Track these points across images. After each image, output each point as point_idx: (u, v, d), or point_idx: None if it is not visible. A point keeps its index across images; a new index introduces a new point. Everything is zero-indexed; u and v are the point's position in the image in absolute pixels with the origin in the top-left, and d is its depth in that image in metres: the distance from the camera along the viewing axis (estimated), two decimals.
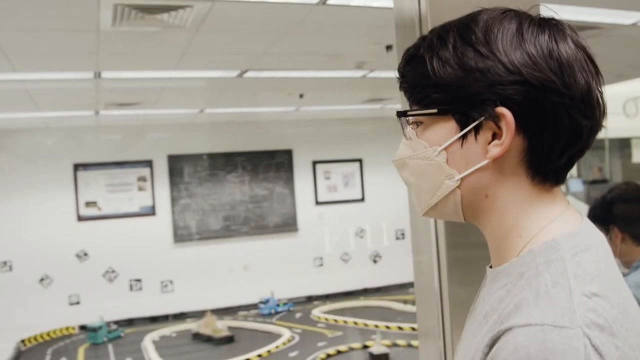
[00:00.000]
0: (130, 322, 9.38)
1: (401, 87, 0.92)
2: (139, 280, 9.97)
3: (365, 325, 8.41)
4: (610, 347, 0.70)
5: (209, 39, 5.32)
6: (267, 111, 9.93)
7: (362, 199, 11.45)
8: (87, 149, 9.78)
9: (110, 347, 8.18)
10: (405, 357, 6.88)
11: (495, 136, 0.82)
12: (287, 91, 8.21)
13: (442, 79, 0.83)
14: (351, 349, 7.33)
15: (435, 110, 0.86)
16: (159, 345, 8.05)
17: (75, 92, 7.28)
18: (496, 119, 0.80)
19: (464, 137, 0.84)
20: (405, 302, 9.60)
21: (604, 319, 0.72)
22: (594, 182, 8.63)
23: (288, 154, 10.97)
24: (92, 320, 8.68)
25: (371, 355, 6.86)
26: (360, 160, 11.45)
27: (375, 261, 11.45)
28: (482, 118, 0.82)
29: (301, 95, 8.44)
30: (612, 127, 7.27)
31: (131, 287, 9.93)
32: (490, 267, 0.90)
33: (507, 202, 0.85)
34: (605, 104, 0.84)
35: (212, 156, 10.44)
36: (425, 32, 1.89)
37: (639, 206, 2.26)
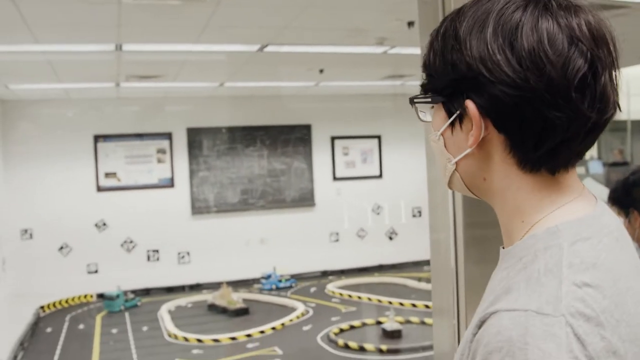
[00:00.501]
0: (146, 292, 9.51)
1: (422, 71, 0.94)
2: (156, 250, 10.08)
3: (379, 301, 8.46)
4: (595, 337, 0.70)
5: (230, 13, 5.31)
6: (287, 86, 9.92)
7: (380, 176, 11.45)
8: (108, 121, 9.85)
9: (127, 315, 8.32)
10: (418, 334, 6.92)
11: (472, 126, 0.83)
12: (307, 66, 8.18)
13: (432, 68, 0.88)
14: (364, 324, 7.39)
15: (429, 99, 0.90)
16: (175, 315, 8.16)
17: (96, 64, 7.32)
18: (467, 111, 0.82)
19: (452, 124, 0.87)
20: (419, 279, 9.63)
21: (591, 309, 0.72)
22: (614, 164, 8.54)
23: (307, 129, 10.97)
24: (109, 289, 8.81)
25: (384, 331, 6.91)
26: (379, 137, 11.43)
27: (391, 238, 11.47)
28: (458, 111, 0.85)
29: (321, 71, 8.41)
30: (635, 109, 7.17)
31: (149, 258, 10.05)
32: (503, 247, 0.92)
33: (503, 187, 0.86)
34: (603, 87, 0.79)
35: (231, 130, 10.48)
36: (448, 8, 1.89)
37: None
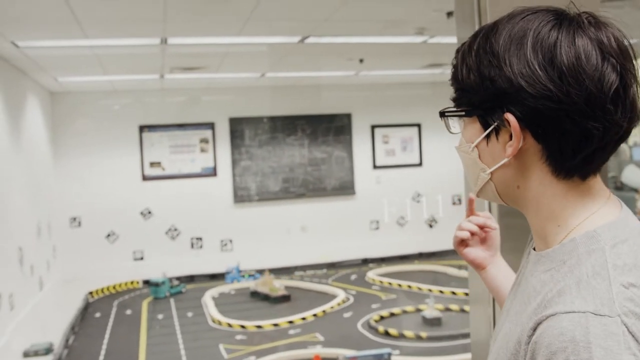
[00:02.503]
0: (191, 279, 9.74)
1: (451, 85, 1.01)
2: (200, 238, 10.30)
3: (419, 289, 8.52)
4: None
5: (273, 5, 5.42)
6: (327, 75, 9.99)
7: (420, 164, 11.47)
8: (152, 111, 10.09)
9: (172, 301, 8.54)
10: (458, 322, 6.98)
11: (512, 136, 0.90)
12: (347, 56, 8.25)
13: (466, 84, 0.93)
14: (404, 312, 7.46)
15: (463, 112, 0.96)
16: (219, 301, 8.36)
17: (141, 56, 7.50)
18: (506, 123, 0.89)
19: (488, 136, 0.94)
20: (459, 267, 9.65)
21: (632, 310, 0.79)
22: None
23: (347, 117, 11.05)
24: (155, 276, 9.06)
25: (424, 318, 6.99)
26: (418, 125, 11.44)
27: (431, 226, 11.50)
28: (495, 123, 0.91)
29: (361, 60, 8.47)
30: None
31: (192, 245, 10.28)
32: (534, 249, 0.99)
33: (538, 194, 0.92)
34: (634, 97, 0.87)
35: (273, 119, 10.61)
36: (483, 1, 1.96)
37: None
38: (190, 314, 7.87)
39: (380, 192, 11.16)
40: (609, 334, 0.76)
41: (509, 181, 0.95)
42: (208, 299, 8.39)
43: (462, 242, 1.34)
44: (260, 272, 9.65)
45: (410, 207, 11.35)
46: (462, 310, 7.39)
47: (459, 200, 11.54)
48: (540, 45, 0.86)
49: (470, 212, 1.34)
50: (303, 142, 10.86)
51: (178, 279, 9.40)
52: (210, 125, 10.38)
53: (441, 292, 8.20)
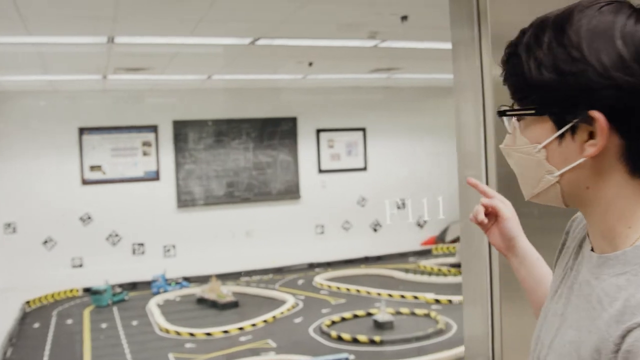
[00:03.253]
0: (133, 286, 9.45)
1: (504, 82, 0.93)
2: (142, 244, 10.03)
3: (368, 293, 8.52)
4: None
5: (228, 6, 5.30)
6: (274, 78, 9.91)
7: (365, 168, 11.50)
8: (93, 113, 9.76)
9: (115, 310, 8.26)
10: (410, 325, 6.99)
11: (591, 135, 0.84)
12: (297, 59, 8.19)
13: (538, 80, 0.86)
14: (356, 316, 7.43)
15: (532, 111, 0.88)
16: (164, 309, 8.13)
17: (86, 56, 7.25)
18: (590, 121, 0.83)
19: (561, 136, 0.87)
20: (406, 271, 9.71)
21: None
22: None
23: (292, 121, 10.98)
24: (95, 283, 8.74)
25: (376, 322, 6.97)
26: (363, 130, 11.47)
27: (375, 230, 11.54)
28: (575, 121, 0.84)
29: (310, 64, 8.42)
30: None
31: (134, 251, 9.99)
32: (592, 250, 0.93)
33: (610, 195, 0.87)
34: None
35: (217, 122, 10.44)
36: (482, 4, 1.92)
37: None
38: (135, 323, 7.63)
39: (326, 196, 11.14)
40: None
41: (579, 182, 0.89)
42: (153, 307, 8.15)
43: (483, 225, 1.23)
44: (189, 279, 9.47)
45: (355, 211, 11.36)
46: (413, 314, 7.41)
47: (403, 204, 11.62)
48: (630, 38, 0.81)
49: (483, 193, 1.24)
50: (248, 146, 10.73)
51: (120, 286, 9.09)
52: (154, 128, 10.13)
53: (390, 295, 8.21)
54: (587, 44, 0.82)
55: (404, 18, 6.05)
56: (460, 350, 5.97)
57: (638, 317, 0.76)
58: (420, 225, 11.73)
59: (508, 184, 1.75)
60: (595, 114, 0.82)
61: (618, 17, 0.83)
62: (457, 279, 9.09)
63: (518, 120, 0.93)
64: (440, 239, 11.47)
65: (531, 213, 1.83)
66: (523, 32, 0.90)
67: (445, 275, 9.42)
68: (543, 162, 0.90)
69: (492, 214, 1.21)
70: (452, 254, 10.54)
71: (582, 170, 0.87)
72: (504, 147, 0.98)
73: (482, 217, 1.20)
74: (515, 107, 0.91)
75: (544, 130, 0.88)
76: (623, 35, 0.81)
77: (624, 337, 0.76)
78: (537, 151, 0.90)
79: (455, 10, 2.04)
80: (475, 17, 1.94)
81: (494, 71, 1.87)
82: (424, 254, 11.02)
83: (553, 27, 0.86)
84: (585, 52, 0.82)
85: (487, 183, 1.89)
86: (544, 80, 0.85)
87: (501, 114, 0.94)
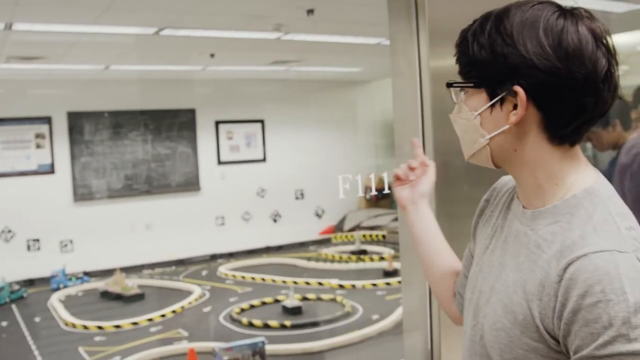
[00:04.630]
0: (31, 282, 9.14)
1: (456, 61, 1.14)
2: (37, 240, 9.69)
3: (273, 281, 8.68)
4: None
5: None
6: (173, 70, 9.82)
7: (264, 160, 11.63)
8: None
9: (14, 307, 7.98)
10: (317, 309, 7.23)
11: (515, 106, 1.06)
12: (199, 50, 8.18)
13: (478, 59, 1.07)
14: (264, 303, 7.58)
15: (471, 84, 1.10)
16: (68, 304, 7.94)
17: None
18: (514, 94, 1.04)
19: (492, 106, 1.08)
20: (308, 259, 9.95)
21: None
22: None
23: (191, 113, 10.93)
24: None
25: (285, 308, 7.15)
26: (262, 121, 11.59)
27: (275, 220, 11.71)
28: (504, 93, 1.06)
29: (212, 55, 8.44)
30: None
31: (29, 247, 9.64)
32: (523, 207, 1.14)
33: (535, 157, 1.08)
34: (616, 80, 1.06)
35: (114, 114, 10.24)
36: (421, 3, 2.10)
37: None
38: (38, 319, 7.41)
39: (225, 188, 11.18)
40: (631, 266, 0.94)
41: (506, 145, 1.10)
42: (55, 302, 7.94)
43: (398, 180, 1.47)
44: (88, 274, 9.31)
45: (254, 202, 11.48)
46: (319, 299, 7.65)
47: (301, 194, 11.86)
48: (550, 30, 1.02)
49: (416, 155, 1.48)
50: (146, 138, 10.59)
51: (17, 283, 8.76)
52: (47, 120, 9.79)
53: (295, 282, 8.41)
54: (517, 32, 1.04)
55: (310, 12, 6.24)
56: (368, 330, 6.27)
57: (575, 253, 0.97)
58: (318, 215, 12.00)
59: (444, 170, 1.96)
60: (518, 89, 1.03)
61: (544, 12, 1.04)
62: (358, 265, 9.44)
63: (463, 92, 1.13)
64: (338, 228, 11.79)
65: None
66: (473, 22, 1.12)
67: (346, 262, 9.73)
68: (478, 127, 1.11)
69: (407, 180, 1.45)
70: (351, 242, 10.88)
71: (508, 135, 1.09)
72: (452, 115, 1.19)
73: (404, 171, 1.45)
74: (460, 81, 1.13)
75: (480, 100, 1.10)
76: (545, 27, 1.03)
77: (565, 269, 0.97)
78: (474, 117, 1.11)
79: (393, 5, 2.20)
80: (414, 12, 2.11)
81: (432, 63, 2.06)
82: (324, 242, 11.32)
83: (494, 18, 1.08)
84: (515, 38, 1.03)
85: None
86: (482, 59, 1.07)
87: (449, 85, 1.14)
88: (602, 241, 0.97)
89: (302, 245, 11.20)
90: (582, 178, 1.08)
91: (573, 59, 1.01)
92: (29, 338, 6.67)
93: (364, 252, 10.01)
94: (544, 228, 1.06)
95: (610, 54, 1.04)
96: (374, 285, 8.18)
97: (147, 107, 10.46)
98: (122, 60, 8.52)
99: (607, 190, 1.07)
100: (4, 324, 7.27)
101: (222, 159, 11.29)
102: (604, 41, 1.04)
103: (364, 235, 10.98)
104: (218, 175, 11.22)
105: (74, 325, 6.98)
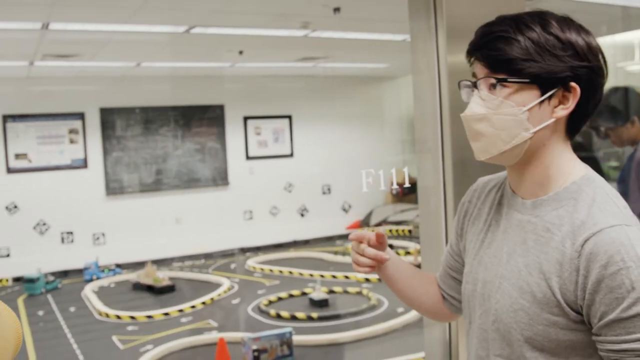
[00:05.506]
0: (64, 274, 9.40)
1: (485, 59, 1.19)
2: (70, 232, 9.96)
3: (300, 274, 8.82)
4: None
5: None
6: (202, 66, 10.00)
7: (291, 155, 11.77)
8: (17, 100, 9.58)
9: (49, 297, 8.23)
10: (344, 302, 7.35)
11: (560, 101, 1.17)
12: (228, 47, 8.34)
13: (534, 57, 1.14)
14: (291, 295, 7.72)
15: (527, 80, 1.15)
16: (101, 295, 8.16)
17: (16, 42, 7.16)
18: (568, 90, 1.16)
19: (541, 101, 1.16)
20: (335, 253, 10.07)
21: (636, 220, 1.13)
22: None
23: (220, 109, 11.11)
24: (23, 272, 8.66)
25: (312, 300, 7.28)
26: (289, 117, 11.73)
27: (302, 215, 11.85)
28: (555, 90, 1.15)
29: (241, 52, 8.60)
30: None
31: (63, 240, 9.91)
32: (521, 198, 1.24)
33: (556, 150, 1.21)
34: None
35: (145, 110, 10.46)
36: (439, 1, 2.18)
37: None
38: (72, 309, 7.63)
39: (254, 183, 11.34)
40: (637, 238, 1.08)
41: (541, 139, 1.19)
42: (89, 293, 8.17)
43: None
44: (120, 266, 9.55)
45: (282, 197, 11.63)
46: (346, 292, 7.77)
47: (328, 189, 11.98)
48: (585, 34, 1.18)
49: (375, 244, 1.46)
50: (176, 133, 10.79)
51: (52, 274, 9.03)
52: (80, 116, 10.04)
53: (322, 276, 8.54)
54: (570, 35, 1.16)
55: (337, 10, 6.34)
56: (393, 322, 6.37)
57: (590, 230, 1.10)
58: (345, 210, 12.12)
59: (462, 167, 2.05)
60: (574, 85, 1.15)
61: (567, 19, 1.20)
62: None
63: (492, 89, 1.18)
64: (365, 222, 11.89)
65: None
66: (501, 21, 1.18)
67: None
68: (524, 122, 1.16)
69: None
70: None
71: (546, 129, 1.18)
72: (473, 114, 1.21)
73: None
74: (514, 78, 1.16)
75: (530, 96, 1.16)
76: (578, 32, 1.17)
77: (582, 245, 1.09)
78: (522, 113, 1.16)
79: (413, 4, 2.28)
80: (432, 11, 2.20)
81: (449, 59, 2.15)
82: None
83: (539, 20, 1.17)
84: (569, 39, 1.15)
85: (443, 167, 2.13)
86: (539, 56, 1.14)
87: (500, 80, 1.17)
88: (611, 218, 1.10)
89: (329, 240, 11.33)
90: (575, 167, 1.21)
91: (603, 61, 1.18)
92: (64, 327, 6.89)
93: (390, 246, 9.84)
94: (549, 213, 1.18)
95: (605, 62, 1.21)
96: None
97: (177, 103, 10.67)
98: (154, 57, 8.72)
99: (598, 176, 1.21)
100: (41, 313, 7.51)
101: (251, 154, 11.45)
102: (601, 50, 1.21)
103: (390, 230, 11.07)
104: (246, 170, 11.38)
105: (107, 315, 7.19)
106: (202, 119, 10.96)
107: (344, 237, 11.49)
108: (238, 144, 11.32)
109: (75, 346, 6.24)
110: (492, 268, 1.25)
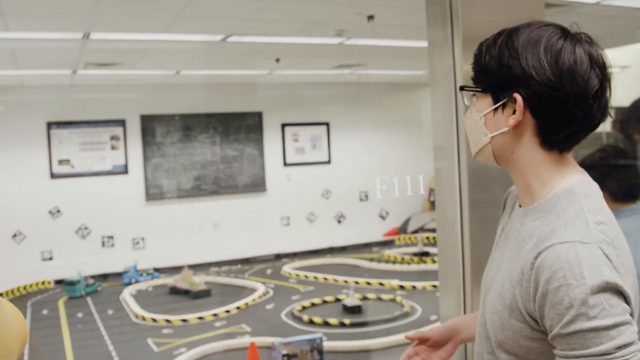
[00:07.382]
0: (104, 277, 9.61)
1: (472, 69, 1.29)
2: (111, 237, 10.17)
3: (335, 280, 8.85)
4: (614, 255, 1.09)
5: (204, 3, 5.53)
6: (241, 74, 10.13)
7: (329, 162, 11.81)
8: (61, 108, 9.85)
9: (89, 300, 8.43)
10: (377, 309, 7.35)
11: (515, 112, 1.20)
12: (264, 55, 8.44)
13: (487, 68, 1.22)
14: (325, 302, 7.75)
15: (479, 89, 1.26)
16: (138, 298, 8.33)
17: (58, 51, 7.37)
18: (514, 101, 1.19)
19: (495, 109, 1.23)
20: (371, 260, 10.07)
21: (609, 237, 1.12)
22: None
23: (258, 116, 11.23)
24: (65, 275, 8.89)
25: (345, 307, 7.30)
26: (327, 124, 11.78)
27: (339, 221, 11.87)
28: (505, 99, 1.21)
29: (277, 60, 8.68)
30: None
31: (103, 244, 10.13)
32: (520, 206, 1.29)
33: (528, 159, 1.23)
34: (606, 100, 1.20)
35: (184, 117, 10.64)
36: (455, 7, 2.19)
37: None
38: (110, 311, 7.81)
39: (291, 189, 11.42)
40: (592, 255, 1.08)
41: (505, 146, 1.25)
42: (127, 296, 8.35)
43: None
44: (158, 270, 9.71)
45: (319, 204, 11.67)
46: (379, 299, 7.77)
47: (365, 196, 11.98)
48: (550, 49, 1.18)
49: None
50: (215, 140, 10.95)
51: (92, 277, 9.24)
52: (121, 122, 10.27)
53: (357, 282, 8.55)
54: (522, 48, 1.19)
55: (370, 17, 6.38)
56: (425, 330, 6.34)
57: (546, 243, 1.12)
58: (382, 217, 12.10)
59: (478, 173, 2.06)
60: (517, 96, 1.19)
61: (547, 33, 1.20)
62: (420, 267, 9.50)
63: (474, 96, 1.29)
64: (402, 230, 11.86)
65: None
66: (488, 37, 1.27)
67: (408, 263, 9.80)
68: (482, 127, 1.26)
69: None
70: (414, 244, 10.93)
71: (507, 137, 1.24)
72: (464, 117, 1.34)
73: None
74: (470, 85, 1.28)
75: (486, 104, 1.25)
76: (545, 46, 1.18)
77: (535, 257, 1.12)
78: (480, 118, 1.26)
79: (431, 13, 2.31)
80: (449, 20, 2.23)
81: (465, 67, 2.17)
82: (387, 244, 11.41)
83: (506, 35, 1.24)
84: (519, 53, 1.19)
85: (458, 173, 2.15)
86: (491, 68, 1.22)
87: (461, 88, 1.31)
88: (568, 233, 1.11)
89: (365, 247, 11.33)
90: (565, 179, 1.22)
91: (566, 76, 1.15)
92: (102, 328, 7.06)
93: (427, 254, 10.06)
94: (529, 223, 1.22)
95: (604, 76, 1.19)
96: (434, 287, 8.23)
97: (215, 110, 10.83)
98: (192, 65, 8.87)
99: (586, 189, 1.21)
100: (80, 315, 7.70)
101: (288, 160, 11.53)
102: (599, 64, 1.18)
103: (427, 237, 11.02)
104: (284, 176, 11.47)
105: (143, 318, 7.34)
106: (240, 125, 11.10)
107: (381, 244, 11.49)
108: (276, 151, 11.41)
109: (111, 347, 6.39)
110: (491, 271, 1.32)
